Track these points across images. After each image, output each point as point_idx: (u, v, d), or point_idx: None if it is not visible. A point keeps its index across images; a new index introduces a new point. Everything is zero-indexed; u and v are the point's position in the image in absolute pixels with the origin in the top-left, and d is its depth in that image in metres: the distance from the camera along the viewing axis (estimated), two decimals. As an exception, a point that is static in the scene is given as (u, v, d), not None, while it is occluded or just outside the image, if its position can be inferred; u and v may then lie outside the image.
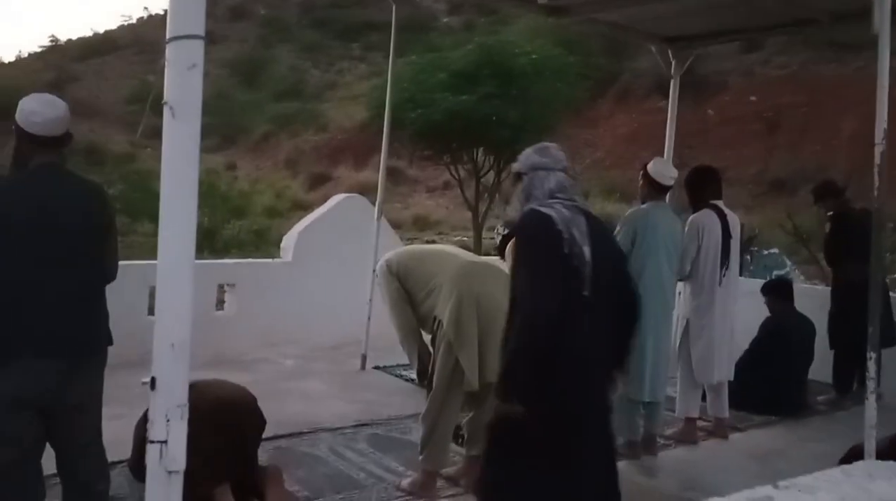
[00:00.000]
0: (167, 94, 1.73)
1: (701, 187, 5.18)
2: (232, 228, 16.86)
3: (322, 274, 6.89)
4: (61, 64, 45.04)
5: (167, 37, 1.74)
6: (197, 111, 1.74)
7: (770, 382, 5.59)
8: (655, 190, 4.80)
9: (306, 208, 26.75)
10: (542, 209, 2.67)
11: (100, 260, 2.85)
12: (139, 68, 45.37)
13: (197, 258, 1.81)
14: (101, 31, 55.88)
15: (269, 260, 7.60)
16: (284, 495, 3.56)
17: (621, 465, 4.65)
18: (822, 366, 6.10)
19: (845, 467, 1.88)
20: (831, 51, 21.99)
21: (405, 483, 3.97)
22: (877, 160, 3.32)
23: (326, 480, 4.07)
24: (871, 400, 3.42)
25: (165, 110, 1.72)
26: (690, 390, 5.10)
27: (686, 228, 5.00)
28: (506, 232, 3.98)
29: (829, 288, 6.47)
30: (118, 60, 47.57)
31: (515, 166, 2.92)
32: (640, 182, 4.94)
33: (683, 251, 4.90)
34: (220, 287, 6.95)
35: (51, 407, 2.72)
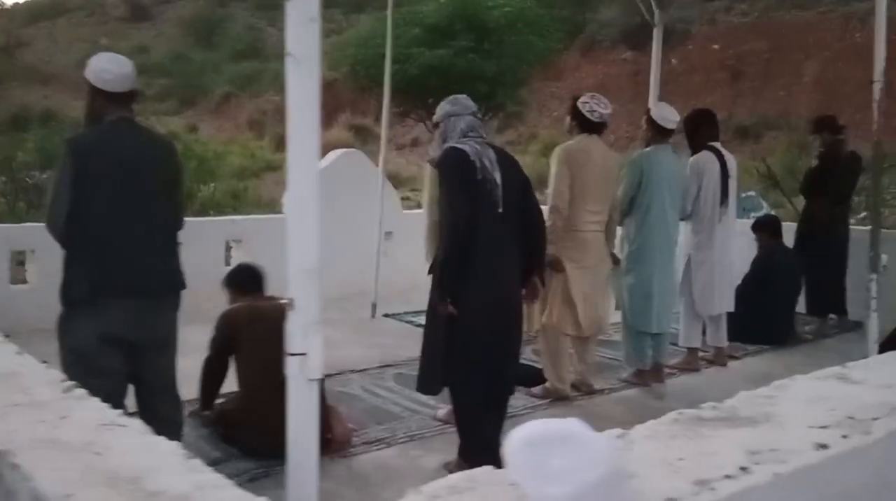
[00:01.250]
0: (289, 45, 1.91)
1: (699, 130, 5.45)
2: (207, 190, 16.76)
3: (325, 228, 7.04)
4: (9, 28, 43.53)
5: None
6: (317, 60, 1.93)
7: (763, 314, 5.95)
8: (659, 133, 5.04)
9: (276, 169, 26.58)
10: (458, 145, 3.38)
11: (172, 209, 3.02)
12: (90, 30, 44.11)
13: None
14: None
15: (273, 215, 7.73)
16: (346, 429, 3.82)
17: (633, 392, 5.02)
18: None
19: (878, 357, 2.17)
20: (792, -3, 22.45)
21: (441, 413, 4.25)
22: (875, 96, 3.59)
23: (366, 414, 4.34)
24: (873, 317, 3.77)
25: (289, 60, 1.91)
26: (692, 322, 5.44)
27: (687, 169, 5.27)
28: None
29: (798, 221, 6.83)
30: (69, 23, 46.15)
31: (434, 117, 3.62)
32: (644, 127, 5.17)
33: (685, 191, 5.18)
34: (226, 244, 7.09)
35: (137, 342, 2.91)
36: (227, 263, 7.17)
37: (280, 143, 31.14)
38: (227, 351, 3.69)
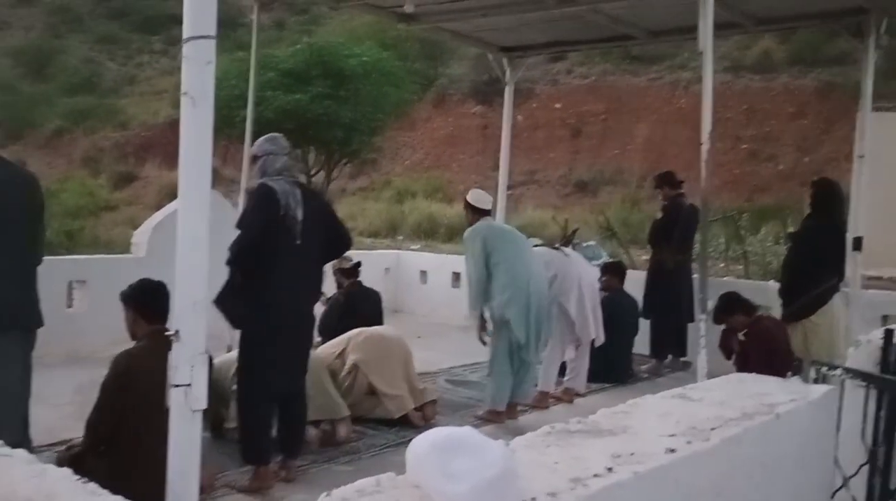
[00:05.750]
0: (186, 86, 1.99)
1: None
2: (38, 230, 15.74)
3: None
4: None
5: (185, 36, 1.99)
6: (211, 100, 2.01)
7: (605, 355, 6.38)
8: (480, 213, 5.39)
9: (113, 208, 25.29)
10: (270, 182, 3.84)
11: (33, 243, 2.92)
12: None
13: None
14: None
15: (121, 255, 7.43)
16: (208, 471, 3.73)
17: (489, 428, 5.25)
18: (639, 339, 7.03)
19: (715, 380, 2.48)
20: (626, 63, 24.32)
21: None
22: (703, 156, 4.07)
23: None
24: (702, 354, 4.20)
25: (185, 99, 1.98)
26: (551, 366, 5.81)
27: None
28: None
29: (647, 269, 7.42)
30: None
31: (253, 150, 4.09)
32: (465, 212, 5.51)
33: None
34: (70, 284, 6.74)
35: None
36: (70, 305, 6.82)
37: (118, 182, 29.75)
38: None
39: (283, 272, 3.79)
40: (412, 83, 18.99)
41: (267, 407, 3.94)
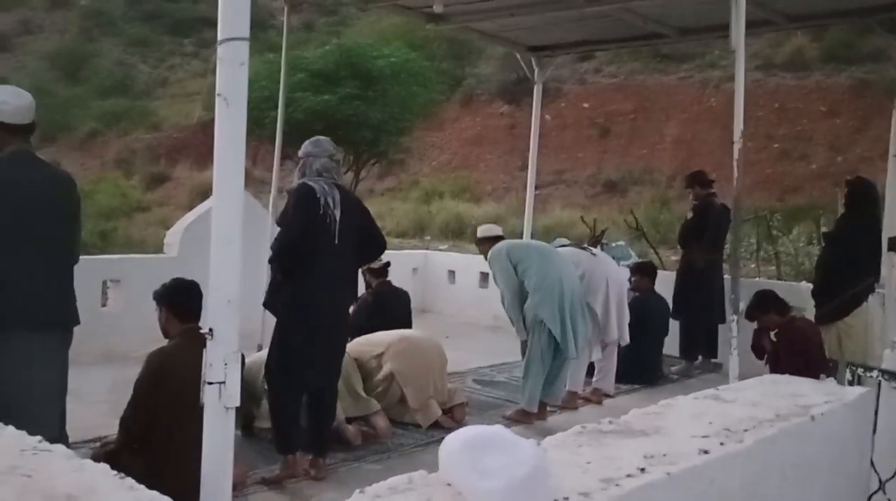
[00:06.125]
0: (220, 87, 2.01)
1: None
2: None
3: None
4: None
5: (219, 38, 2.01)
6: (245, 101, 2.03)
7: (636, 356, 6.34)
8: (494, 240, 5.52)
9: (146, 209, 25.61)
10: (310, 182, 3.92)
11: (69, 242, 2.97)
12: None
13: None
14: None
15: (154, 255, 7.54)
16: (240, 469, 3.77)
17: (518, 428, 5.23)
18: (669, 340, 6.98)
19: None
20: (655, 62, 24.13)
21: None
22: (735, 155, 4.03)
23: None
24: (734, 355, 4.15)
25: (219, 100, 2.00)
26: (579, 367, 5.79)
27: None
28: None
29: (677, 269, 7.37)
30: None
31: (299, 153, 4.12)
32: (481, 249, 5.64)
33: None
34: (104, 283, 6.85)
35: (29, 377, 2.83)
36: (104, 304, 6.93)
37: (151, 183, 30.16)
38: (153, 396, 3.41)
39: (322, 271, 3.86)
40: (440, 83, 19.02)
41: (298, 403, 4.02)
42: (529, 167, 8.58)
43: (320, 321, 3.90)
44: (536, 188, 9.26)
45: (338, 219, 3.86)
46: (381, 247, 4.34)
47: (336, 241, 3.87)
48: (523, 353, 5.38)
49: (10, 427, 1.74)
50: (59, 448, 1.62)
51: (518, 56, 8.35)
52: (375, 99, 15.17)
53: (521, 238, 7.95)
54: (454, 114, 26.44)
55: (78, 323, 3.05)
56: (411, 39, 19.66)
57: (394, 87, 15.54)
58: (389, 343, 5.08)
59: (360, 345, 5.09)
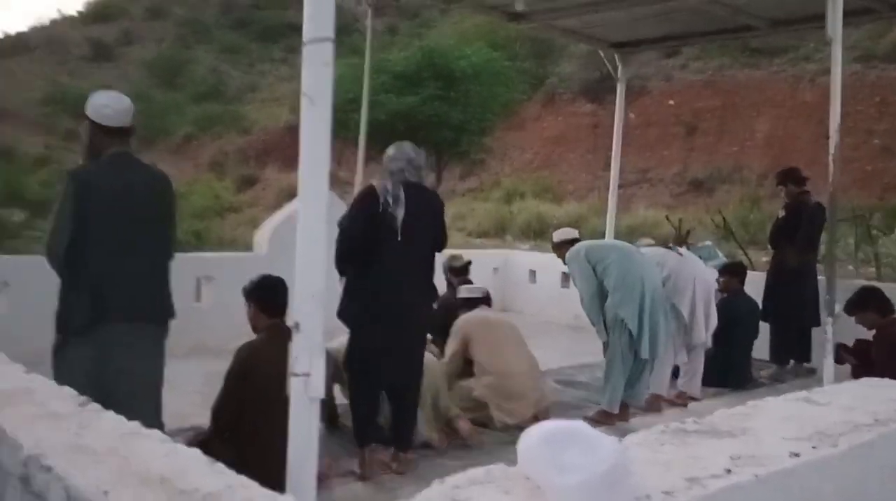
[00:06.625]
0: (306, 87, 2.06)
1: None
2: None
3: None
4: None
5: (304, 39, 2.06)
6: (329, 101, 2.07)
7: (723, 358, 6.16)
8: (570, 243, 5.49)
9: (237, 210, 26.49)
10: (374, 182, 4.05)
11: (165, 240, 3.11)
12: (51, 69, 43.78)
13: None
14: (13, 32, 53.53)
15: (244, 253, 7.79)
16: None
17: (601, 429, 5.15)
18: (759, 343, 6.74)
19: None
20: (745, 56, 23.36)
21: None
22: (831, 151, 3.86)
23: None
24: (828, 359, 3.99)
25: (304, 99, 2.05)
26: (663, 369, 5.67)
27: None
28: None
29: (767, 271, 7.11)
30: (29, 61, 45.73)
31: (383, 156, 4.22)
32: (558, 253, 5.61)
33: None
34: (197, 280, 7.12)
35: (127, 368, 2.99)
36: (198, 300, 7.20)
37: (241, 185, 31.17)
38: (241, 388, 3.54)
39: (384, 267, 3.93)
40: (522, 83, 18.95)
41: (374, 400, 4.11)
42: (612, 166, 8.46)
43: (389, 318, 3.96)
44: (620, 187, 9.11)
45: (400, 217, 3.92)
46: (439, 246, 4.32)
47: (399, 238, 3.92)
48: (605, 353, 5.30)
49: (111, 413, 1.83)
50: (155, 433, 1.70)
51: (601, 53, 8.24)
52: (457, 100, 15.24)
53: (604, 238, 7.84)
54: (536, 113, 26.27)
55: (174, 316, 3.19)
56: (493, 39, 19.65)
57: (475, 88, 15.58)
58: (484, 367, 5.03)
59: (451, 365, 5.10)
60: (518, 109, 20.68)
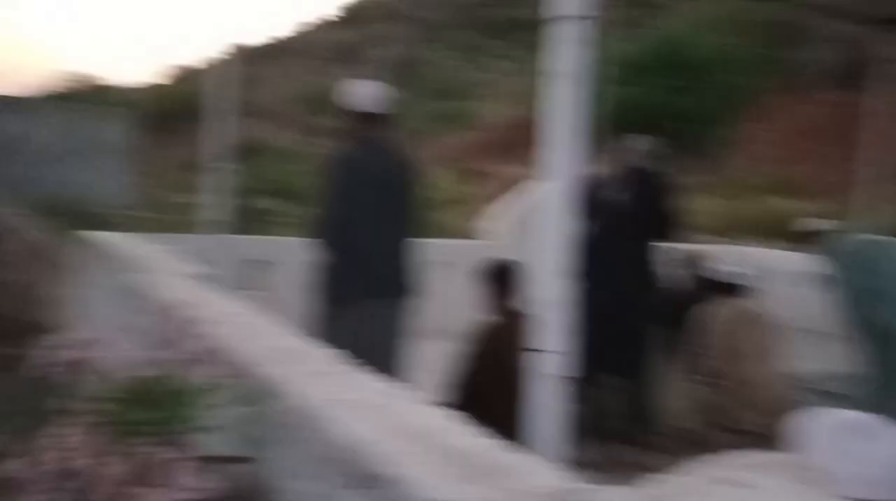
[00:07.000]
0: (556, 65, 2.08)
1: None
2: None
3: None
4: (242, 68, 48.00)
5: (554, 16, 2.08)
6: (579, 78, 2.08)
7: None
8: (823, 236, 5.04)
9: (460, 201, 27.37)
10: (595, 170, 3.99)
11: (413, 221, 3.31)
12: (300, 70, 47.93)
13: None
14: (278, 37, 59.36)
15: (476, 241, 8.08)
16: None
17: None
18: None
19: None
20: None
21: None
22: None
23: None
24: None
25: (553, 78, 2.08)
26: None
27: None
28: None
29: None
30: (280, 63, 50.38)
31: None
32: (806, 245, 5.21)
33: None
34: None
35: (383, 339, 3.24)
36: (435, 284, 7.60)
37: (462, 178, 32.18)
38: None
39: (601, 259, 3.88)
40: (764, 70, 17.70)
41: (590, 391, 4.00)
42: (867, 160, 7.68)
43: (594, 303, 3.91)
44: (876, 182, 8.25)
45: (610, 201, 4.06)
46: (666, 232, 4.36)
47: (618, 227, 4.04)
48: (861, 364, 4.79)
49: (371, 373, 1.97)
50: (408, 391, 1.81)
51: (857, 34, 7.48)
52: (693, 89, 14.61)
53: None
54: (777, 101, 24.41)
55: (414, 294, 3.38)
56: (732, 25, 18.56)
57: (712, 76, 14.82)
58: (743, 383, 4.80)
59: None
60: (759, 99, 19.36)
